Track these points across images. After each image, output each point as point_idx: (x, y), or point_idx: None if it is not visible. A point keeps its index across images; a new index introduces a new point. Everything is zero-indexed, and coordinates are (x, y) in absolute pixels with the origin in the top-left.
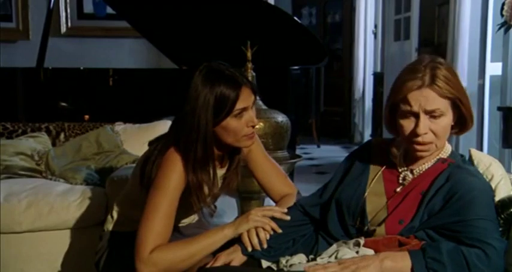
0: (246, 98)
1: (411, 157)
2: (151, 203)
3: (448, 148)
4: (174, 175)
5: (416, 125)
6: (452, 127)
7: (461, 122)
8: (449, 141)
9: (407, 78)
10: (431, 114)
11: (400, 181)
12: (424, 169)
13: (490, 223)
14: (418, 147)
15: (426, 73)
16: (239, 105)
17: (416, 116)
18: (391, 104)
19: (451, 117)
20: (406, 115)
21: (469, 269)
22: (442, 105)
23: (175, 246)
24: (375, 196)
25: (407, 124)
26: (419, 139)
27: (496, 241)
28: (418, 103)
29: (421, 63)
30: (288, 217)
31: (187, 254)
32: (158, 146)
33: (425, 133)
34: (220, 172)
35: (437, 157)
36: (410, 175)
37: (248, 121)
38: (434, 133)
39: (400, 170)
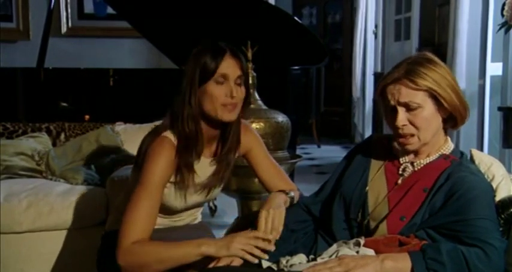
0: (230, 66)
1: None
2: (136, 196)
3: (450, 145)
4: (160, 165)
5: (395, 118)
6: (446, 122)
7: (452, 116)
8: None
9: (386, 73)
10: (408, 107)
11: (400, 172)
12: (425, 163)
13: (491, 223)
14: (401, 140)
15: (402, 68)
16: (221, 70)
17: (395, 109)
18: (378, 100)
19: (431, 109)
20: (387, 109)
21: (469, 270)
22: (417, 97)
23: (158, 244)
24: (376, 189)
25: (389, 118)
26: (400, 131)
27: (496, 241)
28: (393, 96)
29: (407, 59)
30: (272, 248)
31: (165, 255)
32: (149, 134)
33: (404, 125)
34: (210, 161)
35: (440, 152)
36: (411, 167)
37: (227, 92)
38: (414, 125)
39: (401, 162)
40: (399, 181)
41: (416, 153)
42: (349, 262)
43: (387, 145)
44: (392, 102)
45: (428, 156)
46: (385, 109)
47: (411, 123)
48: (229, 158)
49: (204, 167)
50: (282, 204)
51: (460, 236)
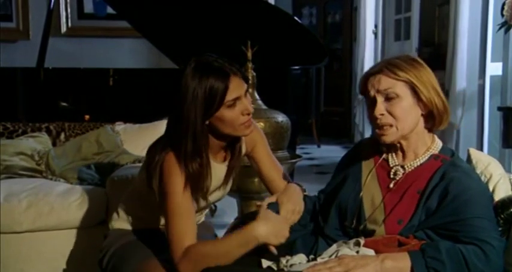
0: (237, 88)
1: (397, 151)
2: (168, 210)
3: (438, 144)
4: (177, 178)
5: (374, 108)
6: (427, 120)
7: (431, 114)
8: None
9: (368, 69)
10: (387, 96)
11: (391, 176)
12: (415, 165)
13: (488, 222)
14: (378, 132)
15: (383, 63)
16: (231, 96)
17: (375, 100)
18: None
19: (409, 100)
20: (369, 103)
21: (468, 268)
22: (396, 86)
23: (208, 242)
24: (370, 194)
25: (370, 111)
26: (378, 121)
27: (494, 240)
28: (373, 87)
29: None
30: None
31: (222, 250)
32: (157, 149)
33: (382, 115)
34: (222, 166)
35: (429, 153)
36: (402, 170)
37: (243, 110)
38: (392, 115)
39: (391, 165)
40: (391, 185)
41: (403, 153)
42: (349, 262)
43: (376, 148)
44: (372, 93)
45: (416, 156)
46: (367, 104)
47: (389, 113)
48: (240, 158)
49: (217, 172)
50: (301, 197)
51: (457, 236)
